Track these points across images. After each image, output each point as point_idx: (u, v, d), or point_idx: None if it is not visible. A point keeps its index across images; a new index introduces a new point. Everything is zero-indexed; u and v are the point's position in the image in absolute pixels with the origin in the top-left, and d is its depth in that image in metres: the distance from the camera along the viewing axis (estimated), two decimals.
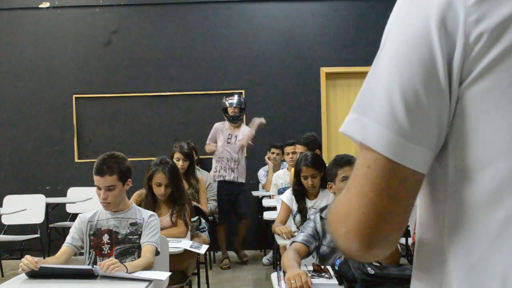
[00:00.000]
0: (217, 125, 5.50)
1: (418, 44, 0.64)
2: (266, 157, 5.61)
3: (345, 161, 2.64)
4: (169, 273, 2.50)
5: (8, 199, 5.62)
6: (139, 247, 2.65)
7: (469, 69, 0.63)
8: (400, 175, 0.64)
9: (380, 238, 0.67)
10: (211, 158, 5.94)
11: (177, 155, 4.45)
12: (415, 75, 0.63)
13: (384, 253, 0.70)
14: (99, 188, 2.62)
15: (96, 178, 2.61)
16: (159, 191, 3.38)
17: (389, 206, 0.65)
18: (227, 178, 5.36)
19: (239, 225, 5.57)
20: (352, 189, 0.68)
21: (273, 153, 5.58)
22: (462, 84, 0.64)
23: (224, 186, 5.37)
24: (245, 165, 5.56)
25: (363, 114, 0.67)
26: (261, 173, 5.79)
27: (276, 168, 5.52)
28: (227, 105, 5.42)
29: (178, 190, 3.44)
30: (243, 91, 6.14)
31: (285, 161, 5.65)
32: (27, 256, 2.28)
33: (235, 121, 5.40)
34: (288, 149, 5.19)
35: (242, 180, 5.48)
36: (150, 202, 3.36)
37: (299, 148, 4.39)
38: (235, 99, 5.44)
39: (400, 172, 0.64)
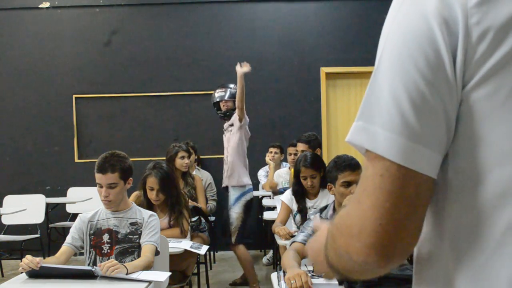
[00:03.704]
0: None
1: (421, 44, 0.62)
2: (266, 158, 5.59)
3: (345, 166, 2.60)
4: (169, 274, 2.50)
5: (8, 199, 5.62)
6: (139, 247, 2.65)
7: (473, 72, 0.62)
8: (414, 181, 0.63)
9: (400, 249, 0.65)
10: (211, 158, 5.95)
11: (181, 153, 4.48)
12: (420, 75, 0.62)
13: (398, 264, 0.67)
14: (100, 186, 2.62)
15: (98, 176, 2.61)
16: (152, 195, 3.38)
17: (407, 214, 0.63)
18: (223, 184, 4.49)
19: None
20: (365, 202, 0.65)
21: (271, 152, 5.58)
22: (466, 87, 0.63)
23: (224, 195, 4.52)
24: (243, 164, 4.39)
25: (370, 121, 0.65)
26: (261, 173, 5.78)
27: (276, 167, 5.52)
28: (217, 98, 4.49)
29: (172, 196, 3.42)
30: None
31: (285, 161, 5.66)
32: (28, 256, 2.27)
33: (228, 117, 4.47)
34: (290, 149, 5.21)
35: (232, 183, 4.36)
36: (145, 206, 3.34)
37: (301, 146, 4.39)
38: (226, 91, 4.49)
39: (415, 178, 0.62)
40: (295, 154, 4.90)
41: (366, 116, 0.66)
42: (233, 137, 4.35)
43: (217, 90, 4.57)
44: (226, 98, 4.47)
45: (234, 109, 4.39)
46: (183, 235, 3.38)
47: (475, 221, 0.64)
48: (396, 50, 0.64)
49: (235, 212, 4.35)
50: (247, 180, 4.41)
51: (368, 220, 0.64)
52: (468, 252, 0.64)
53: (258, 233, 6.00)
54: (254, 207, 5.72)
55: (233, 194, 4.37)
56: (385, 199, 0.63)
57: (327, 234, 0.75)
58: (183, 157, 4.45)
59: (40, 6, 6.24)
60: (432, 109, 0.62)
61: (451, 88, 0.62)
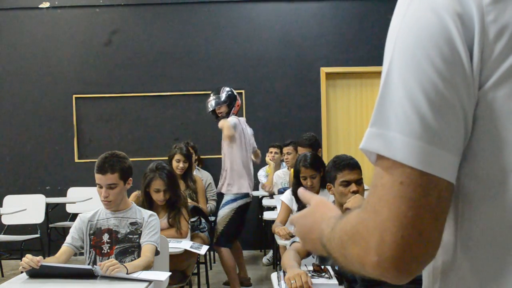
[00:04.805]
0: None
1: (436, 41, 0.59)
2: (267, 158, 5.60)
3: (344, 165, 2.60)
4: (169, 273, 2.50)
5: (8, 199, 5.62)
6: (139, 247, 2.65)
7: (490, 72, 0.60)
8: (437, 188, 0.59)
9: (421, 262, 0.61)
10: (211, 158, 5.94)
11: (177, 156, 4.42)
12: (438, 74, 0.59)
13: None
14: (100, 187, 2.63)
15: (97, 176, 2.62)
16: (158, 197, 3.37)
17: (430, 224, 0.59)
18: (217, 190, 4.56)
19: None
20: (383, 212, 0.60)
21: (271, 152, 5.60)
22: (483, 87, 0.60)
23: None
24: (237, 171, 4.36)
25: (385, 127, 0.61)
26: (261, 173, 5.79)
27: (276, 167, 5.53)
28: (213, 106, 4.43)
29: (175, 195, 3.44)
30: (243, 91, 6.14)
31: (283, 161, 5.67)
32: (28, 255, 2.27)
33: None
34: (284, 149, 5.22)
35: (224, 190, 4.39)
36: (146, 206, 3.34)
37: (301, 151, 4.37)
38: (217, 98, 4.42)
39: (437, 185, 0.59)
40: (288, 154, 5.07)
41: (381, 121, 0.62)
42: (226, 145, 4.35)
43: (210, 97, 4.49)
44: (220, 103, 4.41)
45: (228, 113, 4.38)
46: (178, 233, 3.38)
47: (494, 230, 0.61)
48: (408, 50, 0.61)
49: (222, 214, 4.32)
50: (243, 190, 4.35)
51: (388, 232, 0.59)
52: (487, 263, 0.62)
53: (258, 233, 6.00)
54: (254, 207, 5.74)
55: (226, 196, 4.37)
56: (407, 209, 0.59)
57: (333, 233, 0.71)
58: (178, 161, 4.42)
59: (40, 6, 6.24)
60: (451, 110, 0.59)
61: (469, 86, 0.60)
